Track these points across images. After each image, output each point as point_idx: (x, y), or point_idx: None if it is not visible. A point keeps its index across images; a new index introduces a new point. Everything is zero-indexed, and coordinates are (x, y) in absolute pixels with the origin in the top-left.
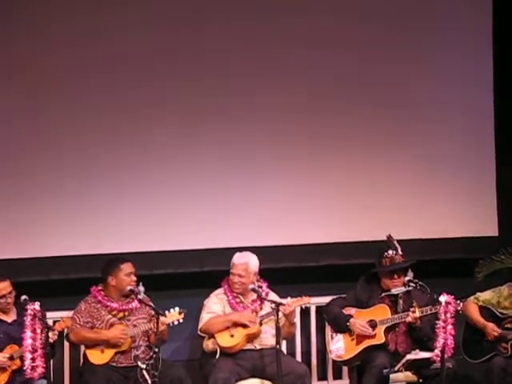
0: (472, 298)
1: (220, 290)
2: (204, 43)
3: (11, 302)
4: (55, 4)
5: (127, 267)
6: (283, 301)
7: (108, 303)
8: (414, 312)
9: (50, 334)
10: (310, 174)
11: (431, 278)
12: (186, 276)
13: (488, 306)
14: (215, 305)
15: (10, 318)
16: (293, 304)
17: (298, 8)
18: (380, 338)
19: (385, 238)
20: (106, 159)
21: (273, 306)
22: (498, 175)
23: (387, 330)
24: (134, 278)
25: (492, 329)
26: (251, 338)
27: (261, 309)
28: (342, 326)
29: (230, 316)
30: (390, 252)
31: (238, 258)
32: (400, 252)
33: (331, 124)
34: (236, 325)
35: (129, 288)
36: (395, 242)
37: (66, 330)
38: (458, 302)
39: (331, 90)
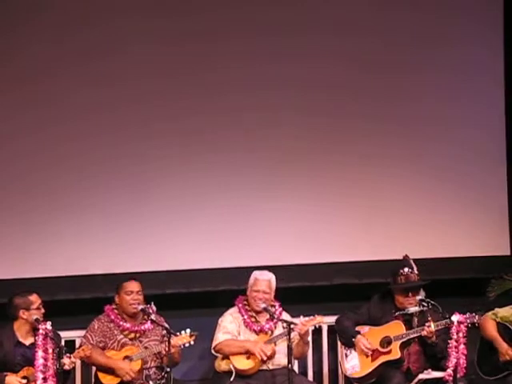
0: (490, 313)
1: (235, 309)
2: (206, 59)
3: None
4: (65, 18)
5: (129, 286)
6: (295, 320)
7: (121, 323)
8: (429, 326)
9: (68, 361)
10: (322, 194)
11: (443, 297)
12: (198, 295)
13: (505, 322)
14: (230, 324)
15: (29, 341)
16: (307, 323)
17: (299, 23)
18: (396, 354)
19: (397, 257)
20: (118, 178)
21: (285, 325)
22: (509, 194)
23: (402, 346)
24: (136, 297)
25: (506, 351)
26: (266, 359)
27: (275, 328)
28: (348, 339)
29: (245, 344)
30: (406, 270)
31: (260, 274)
32: (416, 271)
33: (342, 143)
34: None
35: (140, 307)
36: (411, 262)
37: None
38: (474, 314)
39: (345, 106)
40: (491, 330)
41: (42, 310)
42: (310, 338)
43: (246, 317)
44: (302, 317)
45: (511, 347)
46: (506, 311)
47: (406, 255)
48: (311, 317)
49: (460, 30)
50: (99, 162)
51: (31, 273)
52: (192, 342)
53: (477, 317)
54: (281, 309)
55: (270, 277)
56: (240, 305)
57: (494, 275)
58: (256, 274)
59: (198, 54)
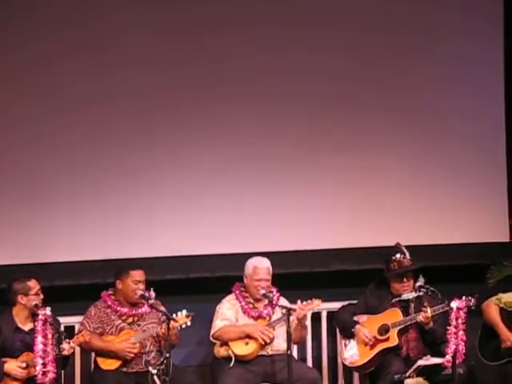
0: (494, 298)
1: (232, 296)
2: (204, 52)
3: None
4: (65, 9)
5: (136, 275)
6: (294, 306)
7: (118, 308)
8: (425, 312)
9: (67, 346)
10: (320, 180)
11: (442, 284)
12: (197, 281)
13: (509, 308)
14: (228, 310)
15: (28, 326)
16: (305, 307)
17: (300, 15)
18: (393, 341)
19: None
20: (117, 164)
21: (284, 311)
22: (509, 181)
23: (400, 333)
24: (142, 287)
25: (508, 338)
26: (265, 345)
27: (273, 313)
28: (347, 331)
29: (244, 328)
30: (398, 256)
31: (258, 262)
32: (408, 256)
33: (341, 129)
34: (249, 336)
35: (140, 293)
36: (403, 248)
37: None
38: (470, 298)
39: (344, 96)
40: (494, 315)
41: (41, 296)
42: (308, 323)
43: (243, 303)
44: (299, 301)
45: None
46: (509, 297)
47: (398, 243)
48: (309, 301)
49: (460, 23)
50: (98, 150)
51: (30, 258)
52: (189, 323)
53: (473, 300)
54: (278, 294)
55: (268, 263)
56: (237, 291)
57: (493, 261)
58: (253, 262)
59: (198, 44)
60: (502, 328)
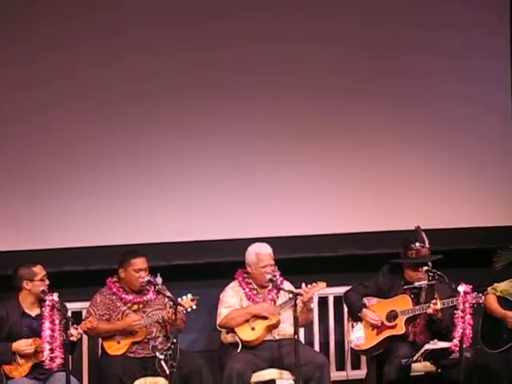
0: (489, 288)
1: (235, 283)
2: (204, 39)
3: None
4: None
5: (138, 263)
6: (299, 290)
7: (123, 295)
8: (435, 304)
9: (75, 332)
10: (329, 164)
11: (449, 268)
12: (204, 267)
13: (506, 295)
14: (232, 298)
15: (34, 312)
16: (310, 290)
17: (301, 2)
18: (400, 329)
19: (402, 228)
20: (123, 150)
21: (290, 296)
22: None
23: (408, 321)
24: (144, 275)
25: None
26: (271, 328)
27: (277, 297)
28: (354, 314)
29: (250, 309)
30: (417, 244)
31: (260, 249)
32: (427, 245)
33: (353, 114)
34: (256, 317)
35: (146, 279)
36: (423, 235)
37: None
38: (480, 294)
39: (350, 83)
40: (492, 303)
41: (47, 282)
42: (314, 306)
43: (247, 290)
44: (303, 284)
45: None
46: (505, 285)
47: (418, 226)
48: (314, 284)
49: (462, 11)
50: (103, 136)
51: (38, 244)
52: (194, 307)
53: (483, 297)
54: (281, 278)
55: (269, 248)
56: (240, 278)
57: (500, 246)
58: (254, 250)
59: (199, 31)
60: (503, 312)
